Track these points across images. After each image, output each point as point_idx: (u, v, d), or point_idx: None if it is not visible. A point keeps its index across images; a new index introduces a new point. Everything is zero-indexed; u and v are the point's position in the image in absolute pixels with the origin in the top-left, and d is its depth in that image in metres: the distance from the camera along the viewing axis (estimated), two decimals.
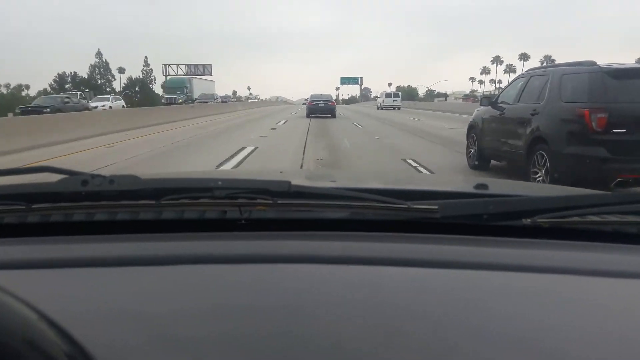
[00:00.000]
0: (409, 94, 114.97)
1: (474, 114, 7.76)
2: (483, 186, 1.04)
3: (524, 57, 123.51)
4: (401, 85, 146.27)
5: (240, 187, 0.84)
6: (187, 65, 72.93)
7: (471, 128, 7.73)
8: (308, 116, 23.99)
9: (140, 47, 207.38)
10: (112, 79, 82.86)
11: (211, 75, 73.68)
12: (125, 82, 74.57)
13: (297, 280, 0.66)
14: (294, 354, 0.49)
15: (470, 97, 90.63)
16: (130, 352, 0.49)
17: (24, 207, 0.81)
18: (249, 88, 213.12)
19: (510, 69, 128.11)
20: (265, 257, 0.73)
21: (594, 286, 0.67)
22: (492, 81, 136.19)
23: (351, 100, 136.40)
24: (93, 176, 0.80)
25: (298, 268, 0.70)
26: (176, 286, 0.64)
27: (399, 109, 42.38)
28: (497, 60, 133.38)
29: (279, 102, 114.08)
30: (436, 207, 0.81)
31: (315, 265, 0.70)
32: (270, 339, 0.51)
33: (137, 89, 71.65)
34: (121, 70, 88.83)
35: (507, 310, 0.59)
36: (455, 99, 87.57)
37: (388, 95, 45.23)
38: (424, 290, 0.64)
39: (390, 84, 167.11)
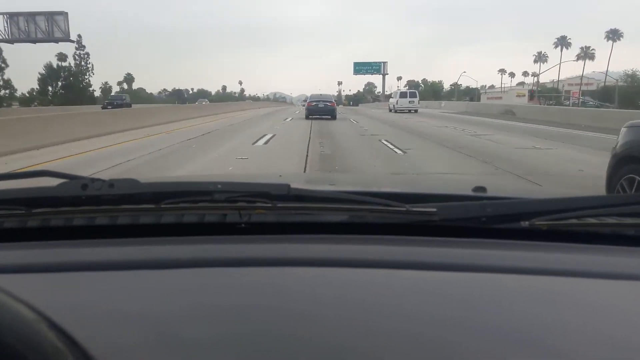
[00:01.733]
0: (432, 90, 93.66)
1: (627, 135, 4.10)
2: (481, 189, 1.04)
3: (614, 35, 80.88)
4: (412, 80, 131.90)
5: (239, 190, 0.85)
6: (9, 17, 37.11)
7: (626, 162, 3.98)
8: (307, 117, 22.57)
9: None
10: (3, 66, 48.43)
11: (69, 40, 40.38)
12: (43, 71, 49.07)
13: (297, 283, 0.67)
14: (293, 357, 0.50)
15: (538, 94, 62.75)
16: (131, 355, 0.49)
17: (23, 211, 0.82)
18: (240, 83, 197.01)
19: (586, 53, 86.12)
20: (265, 261, 0.74)
21: (592, 288, 0.67)
22: (525, 74, 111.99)
23: (358, 99, 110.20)
24: (93, 180, 0.82)
25: (297, 271, 0.71)
26: (176, 290, 0.65)
27: (416, 111, 35.16)
28: (562, 42, 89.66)
29: (272, 100, 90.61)
30: (435, 209, 0.82)
31: (315, 268, 0.72)
32: (269, 342, 0.52)
33: (59, 83, 49.12)
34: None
35: (505, 313, 0.60)
36: (518, 95, 61.57)
37: (403, 94, 37.43)
38: (423, 293, 0.65)
39: (399, 78, 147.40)
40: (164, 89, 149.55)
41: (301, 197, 0.84)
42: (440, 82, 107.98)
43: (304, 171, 8.01)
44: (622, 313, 0.60)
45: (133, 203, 0.83)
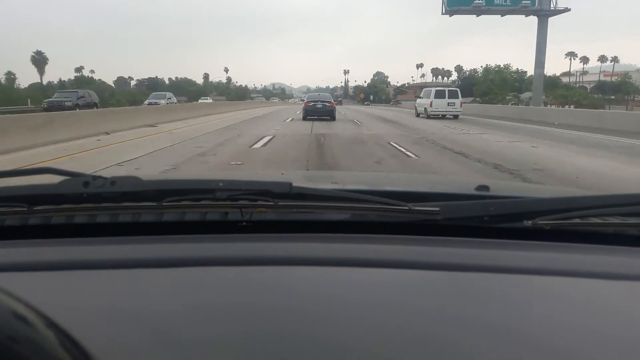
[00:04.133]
0: (500, 79, 58.59)
1: None
2: (484, 187, 1.04)
3: None
4: (436, 67, 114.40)
5: (241, 188, 0.85)
6: None
7: None
8: (305, 118, 22.17)
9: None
10: None
11: None
12: None
13: (298, 282, 0.68)
14: (295, 356, 0.50)
15: None
16: (132, 354, 0.50)
17: (25, 209, 0.84)
18: (226, 70, 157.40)
19: None
20: (267, 259, 0.75)
21: (594, 288, 0.67)
22: (603, 58, 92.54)
23: (376, 92, 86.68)
24: (94, 177, 0.83)
25: (299, 270, 0.72)
26: (177, 288, 0.66)
27: (456, 117, 24.62)
28: None
29: (256, 98, 65.57)
30: (437, 209, 0.82)
31: (317, 267, 0.72)
32: (271, 341, 0.52)
33: None
34: None
35: (507, 312, 0.60)
36: None
37: (439, 93, 25.12)
38: (425, 293, 0.65)
39: (420, 66, 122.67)
40: (130, 77, 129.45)
41: (303, 195, 0.84)
42: (507, 67, 63.51)
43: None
44: (625, 313, 0.60)
45: (135, 201, 0.84)
